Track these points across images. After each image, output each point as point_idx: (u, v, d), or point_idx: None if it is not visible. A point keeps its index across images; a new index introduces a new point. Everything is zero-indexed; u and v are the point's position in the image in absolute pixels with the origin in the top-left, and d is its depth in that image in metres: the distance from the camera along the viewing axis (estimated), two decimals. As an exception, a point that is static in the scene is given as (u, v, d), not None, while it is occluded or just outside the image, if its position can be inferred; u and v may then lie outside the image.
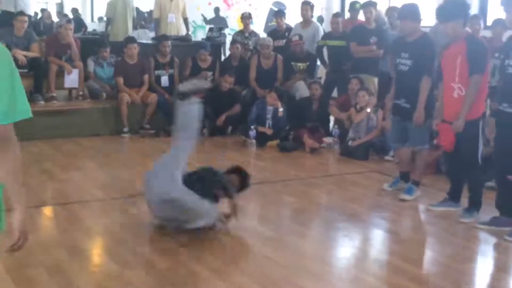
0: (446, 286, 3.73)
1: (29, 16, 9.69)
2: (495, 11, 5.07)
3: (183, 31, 10.39)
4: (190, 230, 4.36)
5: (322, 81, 9.18)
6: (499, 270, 4.12)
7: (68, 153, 7.32)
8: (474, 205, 4.93)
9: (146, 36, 10.85)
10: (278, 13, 10.17)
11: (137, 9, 12.24)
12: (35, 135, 7.84)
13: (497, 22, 7.19)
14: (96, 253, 4.11)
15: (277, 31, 9.88)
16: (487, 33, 7.57)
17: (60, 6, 23.52)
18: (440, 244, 4.50)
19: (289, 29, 9.73)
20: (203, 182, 4.47)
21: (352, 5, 9.16)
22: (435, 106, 5.29)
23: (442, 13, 4.92)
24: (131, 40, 8.89)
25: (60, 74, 8.74)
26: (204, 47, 9.24)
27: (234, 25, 14.83)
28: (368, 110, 7.26)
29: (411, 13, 5.38)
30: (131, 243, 4.35)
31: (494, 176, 4.99)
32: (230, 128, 8.57)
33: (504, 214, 4.70)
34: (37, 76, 8.56)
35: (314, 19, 10.07)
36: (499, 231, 4.60)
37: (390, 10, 8.41)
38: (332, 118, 8.31)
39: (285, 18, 9.93)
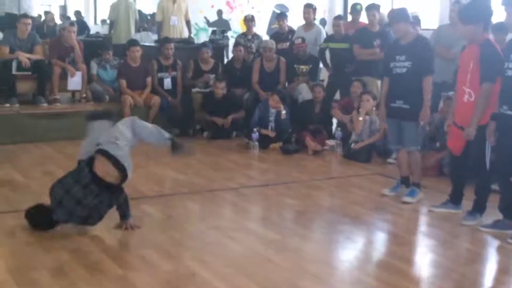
0: (449, 288, 3.74)
1: (33, 19, 9.72)
2: (496, 13, 5.02)
3: (185, 34, 10.41)
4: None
5: (325, 83, 9.19)
6: (502, 273, 4.11)
7: (71, 155, 7.28)
8: (478, 209, 4.91)
9: (148, 39, 10.87)
10: (280, 16, 10.18)
11: (139, 11, 12.26)
12: (38, 137, 7.87)
13: (499, 25, 7.02)
14: (99, 255, 4.10)
15: (279, 34, 9.88)
16: (490, 37, 7.48)
17: (64, 8, 23.64)
18: (443, 246, 4.49)
19: (291, 31, 9.73)
20: None
21: (353, 6, 9.17)
22: (437, 107, 5.29)
23: (464, 15, 4.93)
24: (134, 42, 8.90)
25: (64, 76, 8.75)
26: (206, 45, 9.25)
27: (237, 28, 14.87)
28: (360, 118, 7.25)
29: (404, 15, 5.46)
30: (133, 245, 4.36)
31: (497, 179, 4.97)
32: (234, 134, 8.56)
33: (507, 217, 4.69)
34: (40, 79, 8.59)
35: (317, 22, 10.08)
36: (501, 234, 4.59)
37: (391, 13, 8.40)
38: (334, 121, 8.32)
39: (287, 20, 9.94)
